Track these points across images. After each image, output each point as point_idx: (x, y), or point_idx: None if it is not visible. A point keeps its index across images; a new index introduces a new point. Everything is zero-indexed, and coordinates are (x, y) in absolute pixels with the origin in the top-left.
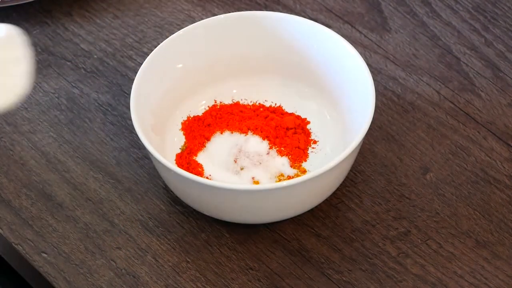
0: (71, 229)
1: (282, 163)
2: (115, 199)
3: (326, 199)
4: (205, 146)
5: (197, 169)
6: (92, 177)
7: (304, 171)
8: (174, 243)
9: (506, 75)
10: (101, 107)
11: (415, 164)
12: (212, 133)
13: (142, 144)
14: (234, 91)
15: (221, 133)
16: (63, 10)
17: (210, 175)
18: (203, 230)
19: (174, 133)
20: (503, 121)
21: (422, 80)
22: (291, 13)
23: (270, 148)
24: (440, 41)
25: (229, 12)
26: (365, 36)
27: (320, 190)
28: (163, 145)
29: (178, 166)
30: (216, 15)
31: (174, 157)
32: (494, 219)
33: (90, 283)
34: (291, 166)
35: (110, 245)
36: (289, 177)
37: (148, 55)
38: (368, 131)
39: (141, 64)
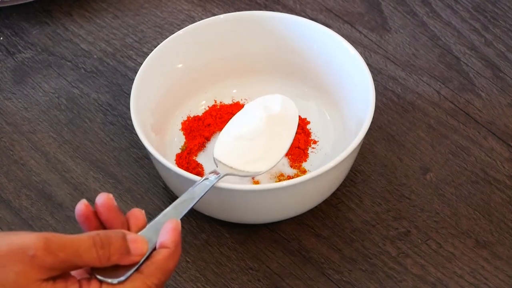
0: (71, 229)
1: (282, 163)
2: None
3: (326, 199)
4: (205, 146)
5: (197, 169)
6: (92, 177)
7: (304, 171)
8: None
9: (506, 75)
10: (101, 107)
11: (415, 164)
12: (212, 133)
13: (142, 144)
14: (234, 91)
15: None
16: (63, 10)
17: None
18: (203, 230)
19: (174, 133)
20: (503, 121)
21: (422, 80)
22: (291, 13)
23: None
24: (440, 41)
25: (229, 12)
26: (365, 36)
27: (320, 190)
28: (163, 145)
29: (178, 166)
30: (216, 15)
31: (174, 157)
32: (494, 219)
33: None
34: (291, 166)
35: None
36: (289, 177)
37: (148, 55)
38: (368, 131)
39: (141, 64)
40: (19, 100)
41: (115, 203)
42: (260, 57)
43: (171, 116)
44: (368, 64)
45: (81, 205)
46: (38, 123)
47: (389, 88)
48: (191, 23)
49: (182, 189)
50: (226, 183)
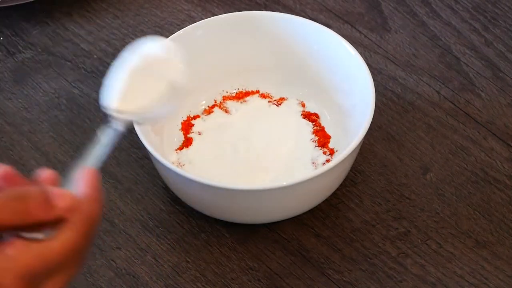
0: None
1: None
2: (115, 199)
3: (326, 199)
4: None
5: None
6: None
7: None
8: (174, 243)
9: (506, 75)
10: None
11: (415, 164)
12: None
13: (142, 144)
14: (234, 91)
15: None
16: (63, 10)
17: None
18: (203, 230)
19: (174, 133)
20: (503, 121)
21: (422, 80)
22: (291, 13)
23: None
24: (440, 41)
25: (229, 12)
26: (365, 36)
27: (320, 190)
28: (162, 145)
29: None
30: (216, 15)
31: None
32: (494, 219)
33: (90, 283)
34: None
35: (110, 245)
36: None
37: None
38: (368, 131)
39: None
40: (19, 100)
41: (15, 172)
42: (260, 57)
43: (171, 116)
44: (368, 64)
45: None
46: (38, 123)
47: (389, 88)
48: (191, 23)
49: (182, 189)
50: (226, 183)
